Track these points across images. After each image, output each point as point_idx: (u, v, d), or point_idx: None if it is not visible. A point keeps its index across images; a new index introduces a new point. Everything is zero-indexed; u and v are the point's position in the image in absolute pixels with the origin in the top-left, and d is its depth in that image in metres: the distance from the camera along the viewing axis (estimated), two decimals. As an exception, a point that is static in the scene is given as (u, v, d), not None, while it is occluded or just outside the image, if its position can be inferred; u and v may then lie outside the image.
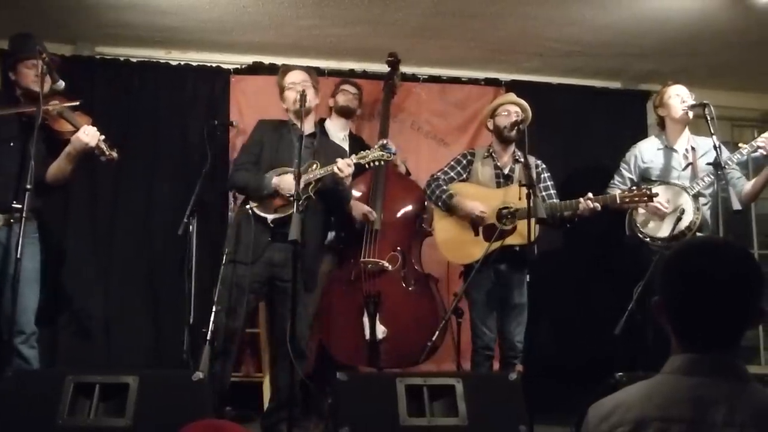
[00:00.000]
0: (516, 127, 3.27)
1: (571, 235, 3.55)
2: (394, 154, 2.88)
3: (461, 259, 3.35)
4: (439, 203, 3.34)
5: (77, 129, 2.75)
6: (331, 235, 3.47)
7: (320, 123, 3.61)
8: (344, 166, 2.90)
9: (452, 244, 3.34)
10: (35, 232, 2.81)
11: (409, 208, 3.60)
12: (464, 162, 3.44)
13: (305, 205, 2.91)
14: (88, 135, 2.75)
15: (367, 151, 2.97)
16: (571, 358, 3.95)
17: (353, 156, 2.96)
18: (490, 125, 3.46)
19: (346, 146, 3.60)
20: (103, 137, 2.77)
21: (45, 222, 2.99)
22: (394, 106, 4.01)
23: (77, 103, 2.82)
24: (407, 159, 4.03)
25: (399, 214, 3.58)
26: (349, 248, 3.51)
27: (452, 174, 3.43)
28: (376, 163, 2.98)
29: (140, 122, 4.00)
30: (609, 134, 4.47)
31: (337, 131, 3.74)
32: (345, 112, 3.78)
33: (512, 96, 3.49)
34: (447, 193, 3.32)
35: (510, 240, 3.18)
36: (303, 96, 2.92)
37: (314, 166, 3.01)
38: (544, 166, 3.43)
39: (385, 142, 2.91)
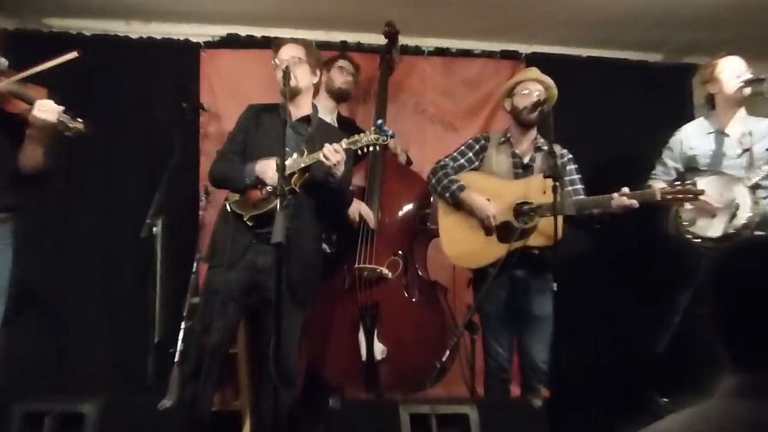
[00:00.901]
0: (538, 109, 3.27)
1: (601, 235, 3.57)
2: (392, 137, 2.87)
3: (470, 262, 3.32)
4: (446, 195, 3.32)
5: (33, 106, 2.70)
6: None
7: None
8: (331, 153, 2.84)
9: (460, 245, 3.33)
10: (8, 237, 2.79)
11: (412, 204, 3.62)
12: (477, 147, 3.44)
13: (291, 201, 2.90)
14: (46, 110, 2.70)
15: (359, 134, 2.91)
16: (604, 380, 3.97)
17: (343, 141, 2.89)
18: (507, 106, 3.45)
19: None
20: (62, 108, 2.73)
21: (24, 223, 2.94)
22: (392, 84, 4.01)
23: (27, 73, 2.72)
24: (409, 147, 4.07)
25: (400, 212, 3.60)
26: (342, 252, 3.51)
27: (462, 161, 3.42)
28: (371, 149, 2.92)
29: (96, 107, 3.96)
30: (647, 116, 4.49)
31: (322, 114, 3.61)
32: (339, 95, 3.81)
33: (534, 71, 3.47)
34: (457, 183, 3.31)
35: (531, 241, 3.14)
36: (286, 74, 2.92)
37: (303, 154, 2.98)
38: (570, 156, 3.40)
39: (380, 122, 2.87)
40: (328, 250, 3.54)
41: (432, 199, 3.57)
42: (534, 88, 3.36)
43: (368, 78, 4.18)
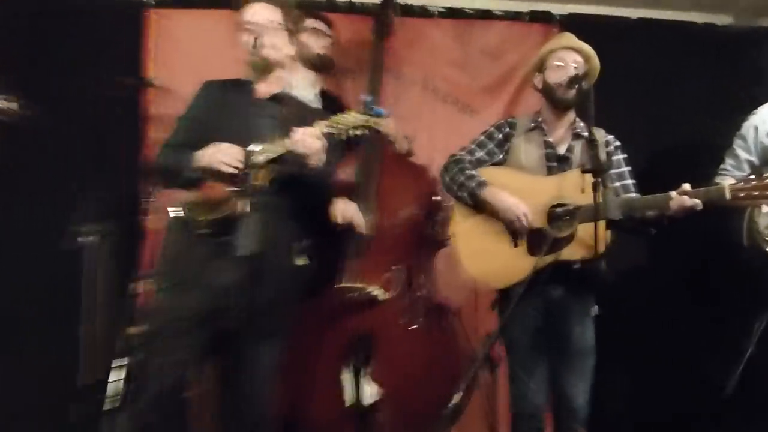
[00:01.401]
0: (576, 85, 3.28)
1: (656, 244, 3.55)
2: (386, 116, 2.89)
3: (495, 280, 3.36)
4: (464, 194, 3.36)
5: None
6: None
7: None
8: (304, 139, 2.85)
9: (481, 258, 3.36)
10: None
11: (416, 204, 3.64)
12: (500, 136, 3.49)
13: (259, 201, 2.88)
14: None
15: (342, 114, 2.90)
16: (656, 424, 4.01)
17: (321, 123, 2.88)
18: (538, 82, 3.49)
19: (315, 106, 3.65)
20: None
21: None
22: (393, 55, 4.05)
23: None
24: (413, 134, 4.10)
25: (400, 215, 3.62)
26: (324, 267, 3.48)
27: (482, 153, 3.47)
28: (359, 134, 2.89)
29: (11, 82, 3.77)
30: (714, 95, 4.49)
31: (302, 89, 3.74)
32: (320, 64, 3.83)
33: (570, 38, 3.50)
34: (476, 180, 3.35)
35: (567, 253, 3.17)
36: (257, 43, 2.96)
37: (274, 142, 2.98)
38: (617, 143, 3.43)
39: (369, 99, 2.88)
40: (303, 263, 3.46)
41: (441, 199, 3.61)
42: (570, 58, 3.39)
43: (359, 45, 4.20)
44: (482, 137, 3.51)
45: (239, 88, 3.13)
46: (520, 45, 4.47)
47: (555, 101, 3.41)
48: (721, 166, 3.65)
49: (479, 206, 3.35)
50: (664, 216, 3.16)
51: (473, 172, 3.38)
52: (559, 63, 3.40)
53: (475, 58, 4.49)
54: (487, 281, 3.41)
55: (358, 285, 3.42)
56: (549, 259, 3.17)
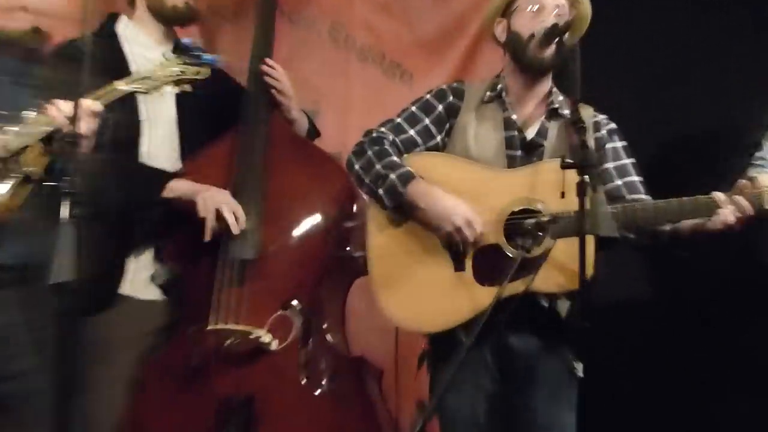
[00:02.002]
0: (556, 40, 3.28)
1: (661, 269, 3.62)
2: (213, 63, 2.99)
3: (424, 322, 3.35)
4: (380, 190, 3.34)
5: None
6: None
7: (106, 26, 3.78)
8: (59, 112, 2.89)
9: (404, 289, 3.36)
10: None
11: (321, 212, 3.67)
12: (440, 109, 3.51)
13: (41, 200, 2.93)
14: None
15: (140, 71, 3.00)
16: None
17: (93, 95, 2.94)
18: (500, 32, 3.53)
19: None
20: None
21: None
22: None
23: None
24: (319, 107, 4.25)
25: (296, 227, 3.64)
26: (183, 301, 3.58)
27: (411, 133, 3.48)
28: (177, 91, 3.05)
29: None
30: (747, 59, 4.37)
31: (147, 46, 3.79)
32: (173, 18, 3.83)
33: None
34: (399, 170, 3.33)
35: (537, 283, 3.10)
36: None
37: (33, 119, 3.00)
38: (611, 126, 3.48)
39: (188, 41, 3.07)
40: (155, 297, 3.62)
41: (356, 203, 3.66)
42: (550, 0, 3.40)
43: None
44: (413, 108, 3.52)
45: None
46: None
47: (524, 61, 3.42)
48: (757, 154, 3.64)
49: (403, 210, 3.34)
50: (699, 230, 3.18)
51: (396, 159, 3.37)
52: (532, 6, 3.41)
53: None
54: (412, 324, 3.41)
55: (237, 327, 3.42)
56: (508, 291, 3.07)
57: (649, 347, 4.22)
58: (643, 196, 3.32)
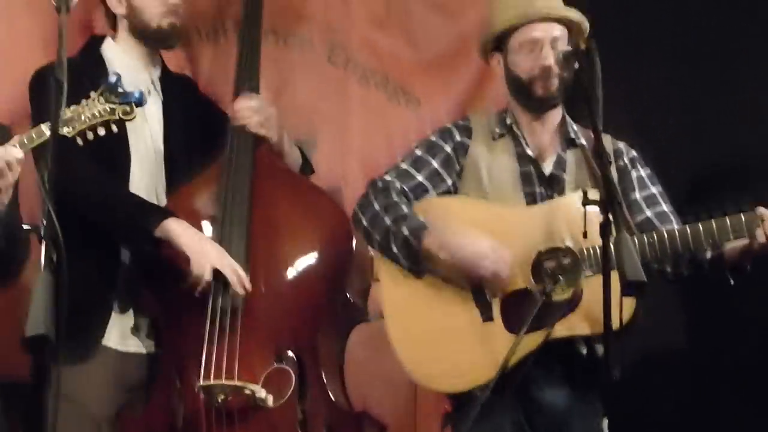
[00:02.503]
0: (555, 77, 3.31)
1: (702, 307, 3.35)
2: (139, 104, 2.95)
3: (447, 380, 3.32)
4: (394, 248, 3.32)
5: None
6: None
7: (88, 47, 3.80)
8: None
9: (427, 344, 3.34)
10: None
11: (316, 254, 3.65)
12: (448, 150, 3.49)
13: None
14: None
15: (72, 110, 2.92)
16: None
17: (18, 137, 2.94)
18: (497, 68, 3.51)
19: (153, 102, 3.68)
20: None
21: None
22: (280, 7, 4.13)
23: None
24: (315, 137, 4.22)
25: (287, 270, 3.61)
26: (168, 353, 3.55)
27: (420, 178, 3.45)
28: (101, 134, 2.95)
29: None
30: None
31: (135, 69, 3.79)
32: (156, 39, 3.81)
33: (540, 1, 3.46)
34: (413, 222, 3.30)
35: (569, 326, 3.14)
36: None
37: None
38: (633, 154, 3.48)
39: (114, 78, 2.93)
40: (138, 350, 3.60)
41: (354, 240, 3.62)
42: (546, 35, 3.36)
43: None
44: (419, 151, 3.49)
45: None
46: None
47: (531, 103, 3.43)
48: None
49: (419, 266, 3.30)
50: (744, 255, 3.17)
51: (406, 210, 3.34)
52: (526, 44, 3.38)
53: (416, 16, 4.46)
54: (436, 385, 3.38)
55: (229, 383, 3.35)
56: (538, 338, 3.12)
57: (684, 401, 4.18)
58: (676, 227, 3.26)
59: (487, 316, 3.23)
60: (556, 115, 3.44)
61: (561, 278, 3.15)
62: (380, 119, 4.36)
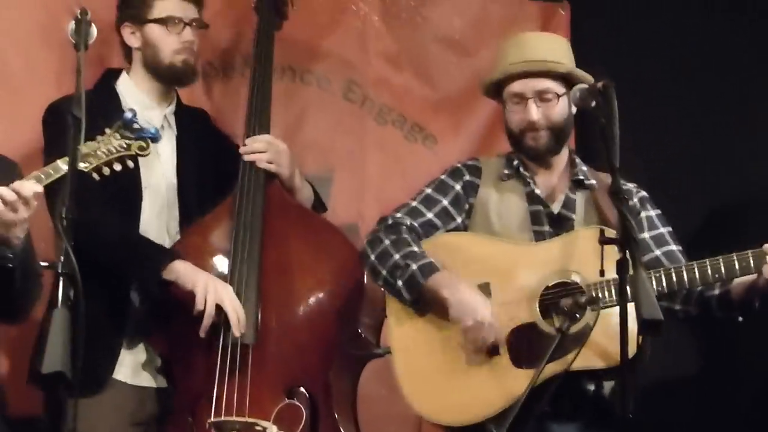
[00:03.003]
0: (548, 131, 3.37)
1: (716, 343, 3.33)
2: (154, 139, 3.01)
3: (453, 413, 3.32)
4: (399, 283, 3.33)
5: None
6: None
7: (103, 81, 3.81)
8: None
9: (432, 379, 3.36)
10: None
11: (324, 287, 3.64)
12: (458, 189, 3.52)
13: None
14: None
15: (87, 145, 2.93)
16: None
17: (35, 172, 2.95)
18: (503, 114, 3.52)
19: (166, 137, 3.70)
20: None
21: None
22: (296, 44, 4.16)
23: None
24: (330, 175, 4.23)
25: (298, 306, 3.60)
26: (178, 389, 3.55)
27: (430, 216, 3.47)
28: (117, 169, 2.99)
29: None
30: None
31: (147, 105, 3.79)
32: (172, 75, 3.82)
33: (526, 45, 3.52)
34: (422, 260, 3.32)
35: (581, 361, 3.12)
36: None
37: None
38: (643, 194, 3.50)
39: (129, 114, 2.97)
40: (149, 384, 3.60)
41: (365, 278, 3.60)
42: (525, 87, 3.41)
43: (243, 28, 4.24)
44: (429, 190, 3.52)
45: None
46: (504, 35, 4.14)
47: (525, 153, 3.48)
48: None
49: (423, 302, 3.33)
50: (756, 290, 3.15)
51: (416, 249, 3.36)
52: (513, 98, 3.44)
53: (433, 53, 4.51)
54: (444, 417, 3.35)
55: (240, 420, 3.36)
56: (546, 373, 3.09)
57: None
58: (684, 264, 3.27)
59: (492, 352, 3.23)
60: (561, 158, 3.48)
61: (574, 314, 3.12)
62: (396, 156, 4.38)
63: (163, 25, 3.74)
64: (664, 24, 4.53)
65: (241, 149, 3.68)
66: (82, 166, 2.90)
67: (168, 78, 3.82)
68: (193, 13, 3.81)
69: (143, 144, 2.98)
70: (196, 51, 3.83)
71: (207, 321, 3.40)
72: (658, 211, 3.44)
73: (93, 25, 2.87)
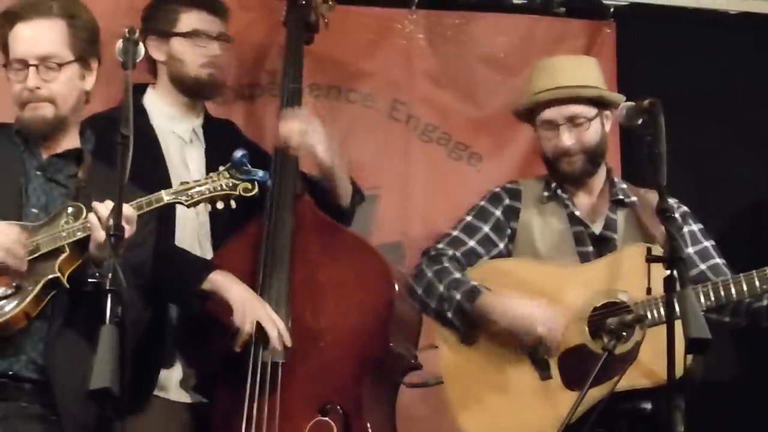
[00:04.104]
0: (582, 154, 3.39)
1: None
2: (264, 182, 3.06)
3: None
4: (448, 313, 3.36)
5: None
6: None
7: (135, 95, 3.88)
8: (97, 219, 2.96)
9: (485, 406, 3.39)
10: None
11: (355, 303, 3.61)
12: (498, 215, 3.54)
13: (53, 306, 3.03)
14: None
15: (189, 182, 3.06)
16: None
17: (135, 202, 3.02)
18: (535, 134, 3.57)
19: (194, 150, 3.81)
20: None
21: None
22: (340, 63, 4.19)
23: None
24: (378, 190, 4.24)
25: (329, 323, 3.59)
26: (213, 405, 3.57)
27: (472, 244, 3.49)
28: (219, 207, 3.04)
29: None
30: None
31: (174, 118, 3.87)
32: (196, 89, 3.87)
33: (555, 72, 3.52)
34: (464, 286, 3.34)
35: (630, 379, 3.10)
36: (31, 95, 3.15)
37: (65, 220, 3.07)
38: (684, 209, 3.49)
39: (241, 154, 2.99)
40: (187, 400, 3.63)
41: (397, 291, 3.56)
42: (558, 114, 3.43)
43: (270, 42, 4.27)
44: (469, 218, 3.54)
45: (5, 136, 3.33)
46: (550, 53, 4.29)
47: (559, 177, 3.50)
48: None
49: (474, 327, 3.34)
50: None
51: (458, 276, 3.37)
52: (545, 125, 3.47)
53: (477, 73, 4.51)
54: None
55: None
56: (600, 392, 3.07)
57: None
58: (730, 276, 3.28)
59: (545, 375, 3.27)
60: (599, 178, 3.50)
61: (621, 333, 3.07)
62: (441, 174, 4.37)
63: (188, 38, 3.78)
64: (710, 41, 4.54)
65: (281, 125, 3.65)
66: (182, 198, 3.02)
67: (194, 91, 3.85)
68: (218, 26, 3.84)
69: (249, 186, 3.01)
70: (221, 64, 3.85)
71: (244, 337, 3.41)
72: (701, 226, 3.45)
73: (141, 43, 2.90)
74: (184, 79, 3.80)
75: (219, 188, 3.00)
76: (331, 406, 3.45)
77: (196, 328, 3.57)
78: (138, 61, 2.91)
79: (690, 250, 3.36)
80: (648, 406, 3.23)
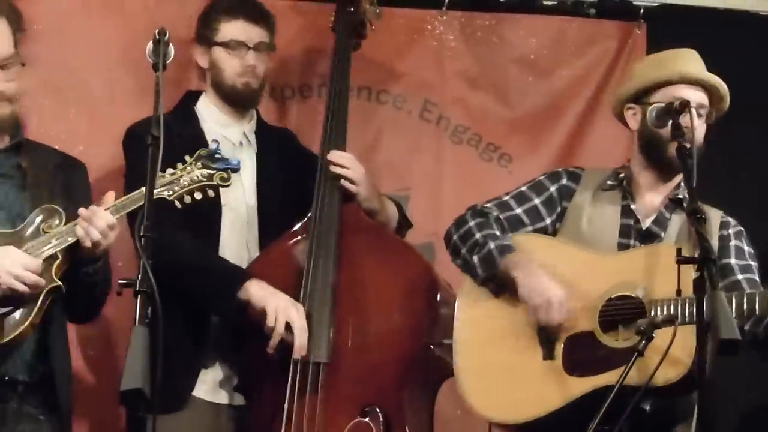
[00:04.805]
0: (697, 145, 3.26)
1: None
2: (235, 170, 3.13)
3: (509, 410, 3.34)
4: (474, 258, 3.39)
5: None
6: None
7: (182, 103, 3.94)
8: (87, 228, 3.07)
9: (486, 375, 3.40)
10: None
11: (398, 306, 3.64)
12: (552, 191, 3.57)
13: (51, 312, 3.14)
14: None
15: (171, 173, 3.10)
16: None
17: (112, 202, 3.12)
18: (631, 121, 3.51)
19: (246, 153, 3.81)
20: None
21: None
22: (371, 65, 4.15)
23: None
24: (409, 191, 4.27)
25: (372, 326, 3.61)
26: (254, 406, 3.58)
27: (519, 211, 3.53)
28: (198, 197, 3.11)
29: None
30: None
31: (224, 124, 3.90)
32: (235, 97, 3.90)
33: (690, 60, 3.49)
34: (498, 241, 3.36)
35: (635, 377, 3.05)
36: None
37: (46, 224, 3.18)
38: (738, 228, 3.49)
39: (214, 147, 3.11)
40: (226, 401, 3.67)
41: (439, 295, 3.60)
42: (695, 99, 3.35)
43: (317, 49, 4.27)
44: (524, 188, 3.58)
45: None
46: (581, 54, 4.46)
47: (662, 162, 3.42)
48: None
49: (495, 283, 3.37)
50: None
51: (497, 232, 3.41)
52: (673, 103, 3.34)
53: (510, 74, 4.52)
54: (496, 413, 3.38)
55: None
56: (601, 382, 3.13)
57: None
58: (761, 290, 3.25)
59: (548, 355, 3.28)
60: (676, 180, 3.46)
61: (651, 334, 3.03)
62: (471, 175, 4.39)
63: (226, 48, 3.83)
64: (740, 42, 4.54)
65: (329, 156, 3.69)
66: (165, 194, 3.09)
67: (231, 99, 3.90)
68: (259, 36, 3.87)
69: (224, 175, 3.09)
70: (259, 74, 3.88)
71: (276, 339, 3.44)
72: (751, 250, 3.43)
73: (171, 45, 2.96)
74: (222, 87, 3.86)
75: (196, 179, 3.06)
76: (371, 408, 3.48)
77: (237, 330, 3.61)
78: (168, 62, 2.96)
79: (732, 260, 3.36)
80: (648, 406, 3.18)
